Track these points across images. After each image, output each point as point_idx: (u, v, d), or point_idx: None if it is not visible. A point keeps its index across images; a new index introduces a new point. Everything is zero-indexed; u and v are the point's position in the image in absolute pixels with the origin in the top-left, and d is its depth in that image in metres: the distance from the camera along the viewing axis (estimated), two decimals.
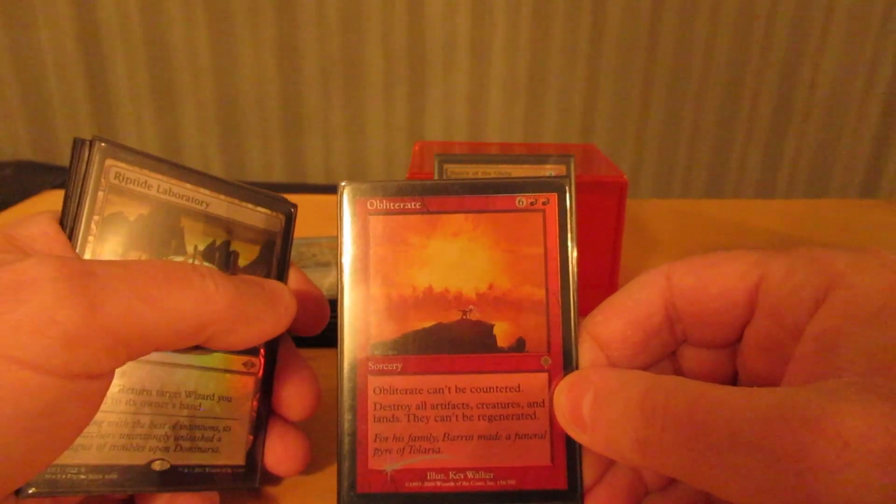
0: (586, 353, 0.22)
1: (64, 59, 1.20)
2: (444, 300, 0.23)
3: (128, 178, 0.22)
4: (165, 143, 1.26)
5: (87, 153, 0.22)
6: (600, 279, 0.41)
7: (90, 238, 0.22)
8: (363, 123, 1.29)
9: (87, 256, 0.22)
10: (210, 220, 0.24)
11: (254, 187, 0.25)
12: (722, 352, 0.23)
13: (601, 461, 0.23)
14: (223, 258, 0.25)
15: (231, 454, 0.24)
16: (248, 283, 0.21)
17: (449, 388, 0.22)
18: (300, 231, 0.27)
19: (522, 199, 0.23)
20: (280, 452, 0.25)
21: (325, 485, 0.27)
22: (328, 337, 0.31)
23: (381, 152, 1.31)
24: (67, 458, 0.21)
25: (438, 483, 0.22)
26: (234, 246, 0.25)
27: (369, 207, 0.23)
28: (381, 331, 0.22)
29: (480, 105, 1.30)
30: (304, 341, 0.27)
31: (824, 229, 0.58)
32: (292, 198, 0.27)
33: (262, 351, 0.25)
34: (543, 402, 0.22)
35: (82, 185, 0.22)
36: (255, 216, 0.25)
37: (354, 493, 0.22)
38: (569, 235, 0.23)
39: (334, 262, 0.36)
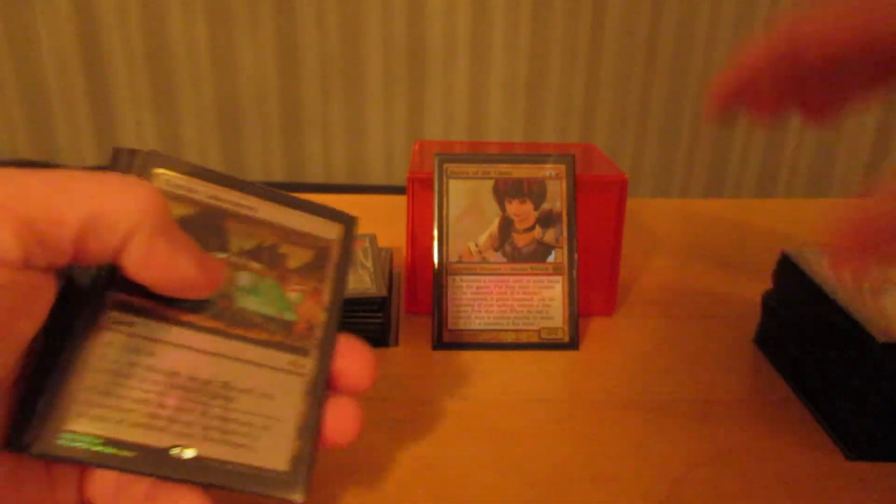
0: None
1: (64, 59, 1.20)
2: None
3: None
4: (165, 142, 1.27)
5: (129, 161, 0.22)
6: (600, 278, 0.41)
7: None
8: (363, 123, 1.29)
9: None
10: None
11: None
12: None
13: None
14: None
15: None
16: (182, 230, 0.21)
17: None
18: None
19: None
20: (334, 421, 0.23)
21: None
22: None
23: (381, 152, 1.31)
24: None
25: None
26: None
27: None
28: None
29: (480, 104, 1.30)
30: None
31: (824, 229, 0.58)
32: None
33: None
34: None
35: None
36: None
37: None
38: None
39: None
